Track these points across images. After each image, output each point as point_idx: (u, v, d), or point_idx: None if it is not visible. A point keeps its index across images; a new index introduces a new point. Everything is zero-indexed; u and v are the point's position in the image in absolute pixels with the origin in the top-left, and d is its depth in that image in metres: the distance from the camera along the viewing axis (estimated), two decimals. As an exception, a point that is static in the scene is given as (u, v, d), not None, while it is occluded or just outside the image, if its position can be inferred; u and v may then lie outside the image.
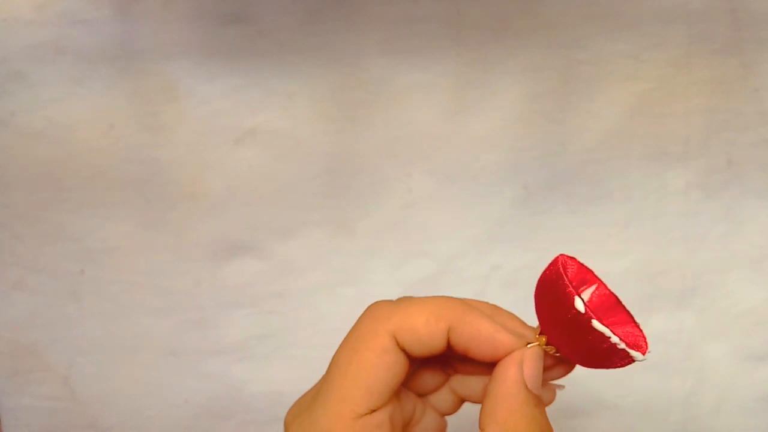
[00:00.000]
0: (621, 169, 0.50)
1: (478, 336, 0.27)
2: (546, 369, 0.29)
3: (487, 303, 0.30)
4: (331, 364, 0.29)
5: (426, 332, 0.28)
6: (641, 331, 0.28)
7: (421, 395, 0.31)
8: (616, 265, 0.51)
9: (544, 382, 0.29)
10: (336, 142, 0.50)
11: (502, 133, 0.50)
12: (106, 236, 0.51)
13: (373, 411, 0.27)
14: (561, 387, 0.30)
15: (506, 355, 0.27)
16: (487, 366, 0.29)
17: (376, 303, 0.30)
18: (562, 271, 0.26)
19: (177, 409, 0.52)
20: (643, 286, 0.51)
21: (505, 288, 0.51)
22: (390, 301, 0.30)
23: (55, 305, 0.51)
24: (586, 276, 0.28)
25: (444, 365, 0.31)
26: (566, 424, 0.52)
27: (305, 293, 0.51)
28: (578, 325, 0.26)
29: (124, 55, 0.49)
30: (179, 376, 0.52)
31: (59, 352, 0.52)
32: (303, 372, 0.54)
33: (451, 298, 0.29)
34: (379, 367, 0.27)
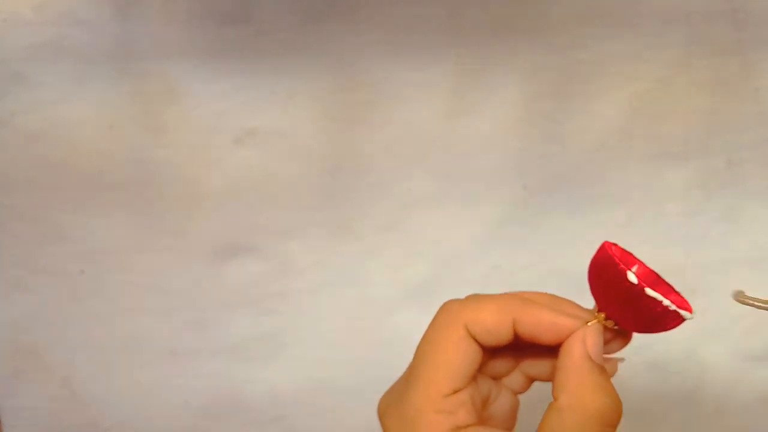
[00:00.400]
0: (621, 169, 0.50)
1: (541, 324, 0.31)
2: (605, 342, 0.32)
3: (546, 293, 0.34)
4: (415, 355, 0.33)
5: (493, 324, 0.32)
6: (683, 297, 0.32)
7: (496, 378, 0.35)
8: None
9: (605, 355, 0.33)
10: (336, 142, 0.50)
11: (502, 133, 0.50)
12: (106, 236, 0.51)
13: (456, 391, 0.31)
14: (621, 360, 0.33)
15: (569, 336, 0.31)
16: (553, 349, 0.32)
17: (449, 301, 0.34)
18: (611, 253, 0.30)
19: (177, 409, 0.52)
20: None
21: (506, 288, 0.51)
22: (460, 300, 0.34)
23: (55, 305, 0.51)
24: (628, 258, 0.32)
25: (514, 351, 0.35)
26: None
27: (305, 293, 0.52)
28: (632, 296, 0.30)
29: (124, 56, 0.49)
30: (179, 376, 0.52)
31: (59, 352, 0.52)
32: (303, 372, 0.54)
33: (513, 294, 0.33)
34: (457, 353, 0.32)
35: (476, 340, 0.32)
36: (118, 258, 0.51)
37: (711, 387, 0.52)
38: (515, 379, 0.35)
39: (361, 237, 0.51)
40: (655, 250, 0.51)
